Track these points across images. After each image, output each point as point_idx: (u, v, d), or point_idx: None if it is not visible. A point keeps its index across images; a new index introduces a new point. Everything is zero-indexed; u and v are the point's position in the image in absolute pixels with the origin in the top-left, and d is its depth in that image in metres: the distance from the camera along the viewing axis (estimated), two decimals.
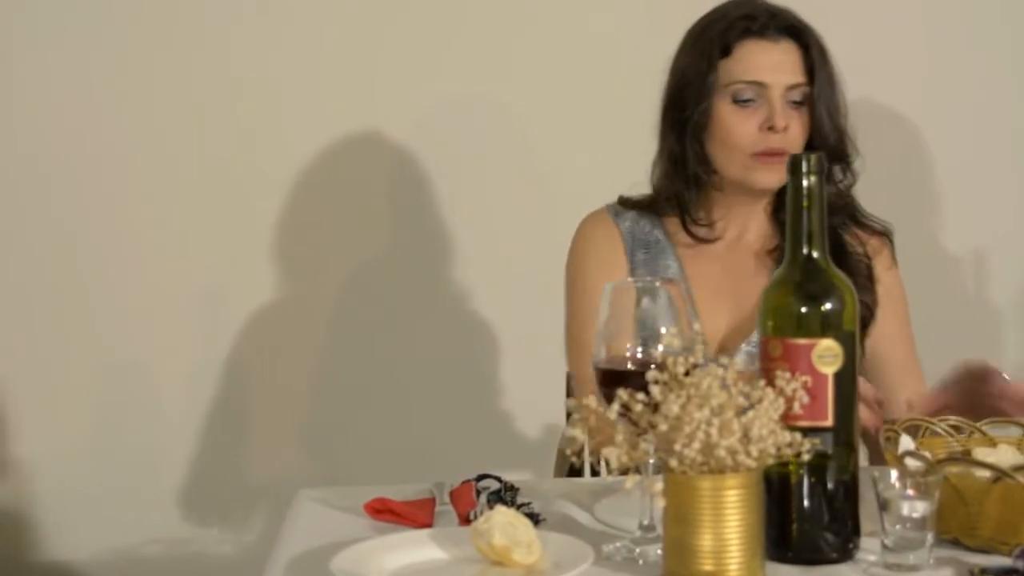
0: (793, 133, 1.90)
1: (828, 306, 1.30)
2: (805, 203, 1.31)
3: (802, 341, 1.28)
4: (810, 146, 1.91)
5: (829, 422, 1.27)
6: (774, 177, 1.90)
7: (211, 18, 2.65)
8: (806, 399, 1.25)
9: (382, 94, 2.68)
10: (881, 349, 1.96)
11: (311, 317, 2.73)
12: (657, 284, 1.36)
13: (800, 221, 1.31)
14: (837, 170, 1.95)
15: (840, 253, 1.92)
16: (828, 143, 1.91)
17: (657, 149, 2.01)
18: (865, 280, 1.95)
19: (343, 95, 2.67)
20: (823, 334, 1.28)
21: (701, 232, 1.97)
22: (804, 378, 1.26)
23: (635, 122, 2.66)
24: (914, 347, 2.01)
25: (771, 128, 1.88)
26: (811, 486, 1.28)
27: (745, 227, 1.99)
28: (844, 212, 1.98)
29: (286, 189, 2.70)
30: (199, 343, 2.70)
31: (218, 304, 2.70)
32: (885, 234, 2.02)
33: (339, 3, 2.67)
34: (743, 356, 1.86)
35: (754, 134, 1.89)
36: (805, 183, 1.31)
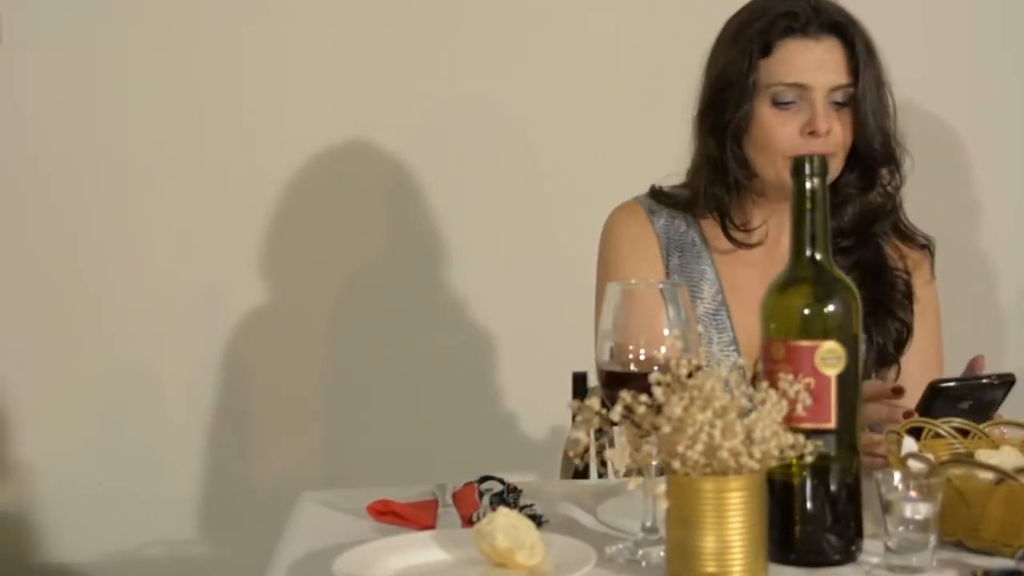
0: (835, 136, 1.83)
1: (831, 308, 1.30)
2: (808, 205, 1.31)
3: (805, 343, 1.28)
4: (854, 149, 1.85)
5: (832, 424, 1.27)
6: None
7: (210, 21, 2.65)
8: (809, 401, 1.25)
9: (382, 95, 2.68)
10: (904, 363, 1.90)
11: (313, 319, 2.73)
12: (660, 287, 1.35)
13: (803, 223, 1.31)
14: (884, 173, 1.88)
15: (879, 267, 1.89)
16: (873, 145, 1.85)
17: (695, 150, 1.93)
18: (903, 297, 1.90)
19: (344, 96, 2.68)
20: (826, 336, 1.28)
21: (740, 237, 1.90)
22: (807, 380, 1.26)
23: (635, 123, 2.68)
24: (938, 362, 1.95)
25: (812, 132, 1.81)
26: (814, 488, 1.28)
27: (783, 232, 1.90)
28: (888, 220, 1.92)
29: (286, 191, 2.69)
30: (202, 345, 2.70)
31: (221, 306, 2.70)
32: (927, 246, 1.95)
33: (338, 5, 2.67)
34: None
35: (795, 138, 1.83)
36: (808, 185, 1.30)
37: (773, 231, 1.92)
